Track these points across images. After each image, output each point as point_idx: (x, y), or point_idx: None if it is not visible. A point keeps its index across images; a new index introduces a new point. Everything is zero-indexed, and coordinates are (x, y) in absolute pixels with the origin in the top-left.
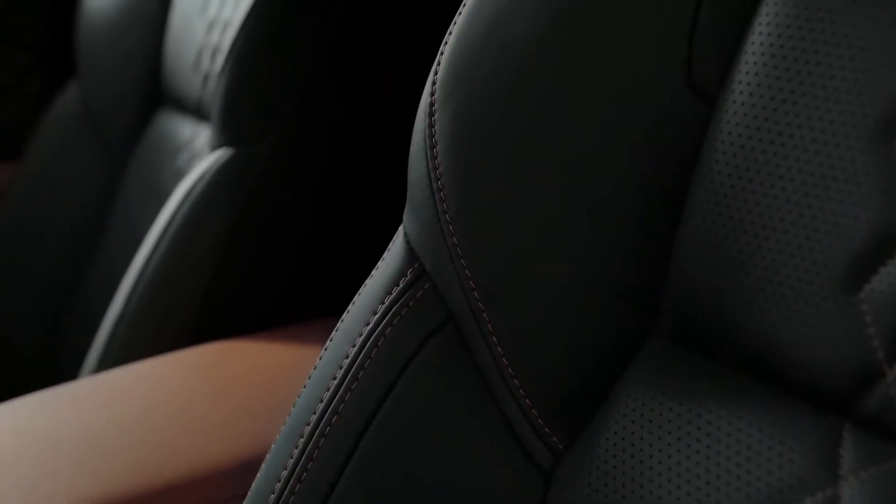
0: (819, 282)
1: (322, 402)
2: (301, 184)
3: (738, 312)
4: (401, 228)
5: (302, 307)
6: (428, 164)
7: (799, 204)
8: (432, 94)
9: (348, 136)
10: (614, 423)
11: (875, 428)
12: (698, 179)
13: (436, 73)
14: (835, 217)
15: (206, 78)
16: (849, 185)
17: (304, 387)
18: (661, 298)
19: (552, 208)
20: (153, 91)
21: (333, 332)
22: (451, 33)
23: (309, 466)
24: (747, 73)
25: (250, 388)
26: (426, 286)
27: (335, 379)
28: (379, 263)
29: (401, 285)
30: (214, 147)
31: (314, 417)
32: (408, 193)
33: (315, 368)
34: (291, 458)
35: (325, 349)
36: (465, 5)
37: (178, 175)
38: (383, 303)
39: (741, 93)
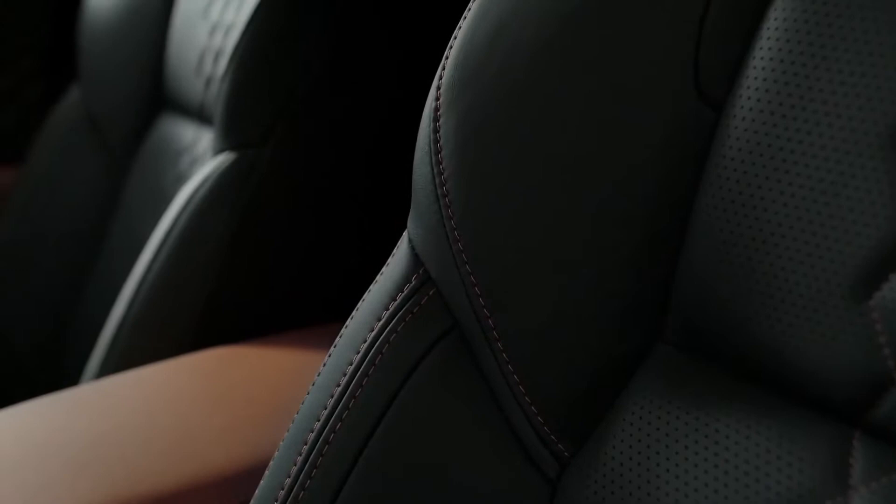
0: (828, 289)
1: (326, 409)
2: (304, 188)
3: (747, 320)
4: (405, 234)
5: (305, 312)
6: (433, 169)
7: (808, 211)
8: (437, 98)
9: (352, 139)
10: (621, 431)
11: (885, 437)
12: (705, 186)
13: (440, 78)
14: (844, 224)
15: (208, 81)
16: (858, 192)
17: (308, 393)
18: (667, 305)
19: (557, 213)
20: (155, 95)
21: (337, 339)
22: (455, 37)
23: (313, 474)
24: (755, 78)
25: (253, 394)
26: (431, 292)
27: (339, 386)
28: (383, 269)
29: (405, 291)
30: (217, 151)
31: (318, 425)
32: (412, 198)
33: (319, 375)
34: (295, 465)
35: (329, 356)
36: (469, 10)
37: (181, 179)
38: (388, 309)
39: (749, 98)
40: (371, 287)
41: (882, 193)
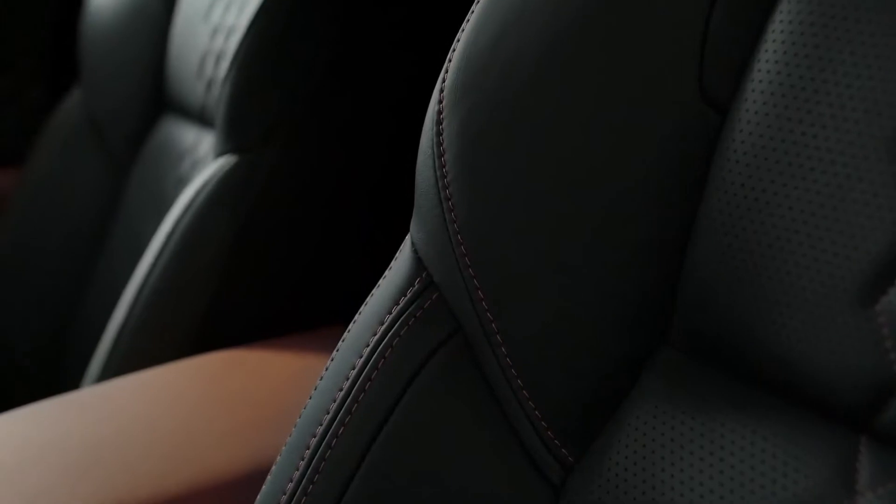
0: (834, 294)
1: (329, 413)
2: (306, 191)
3: (752, 325)
4: (408, 238)
5: (307, 315)
6: (436, 173)
7: (814, 215)
8: (440, 101)
9: (354, 142)
10: (625, 436)
11: (892, 442)
12: (710, 189)
13: (443, 81)
14: (850, 228)
15: (209, 84)
16: (865, 196)
17: (311, 398)
18: (672, 309)
19: (561, 217)
20: (156, 97)
21: (340, 343)
22: (459, 40)
23: (315, 479)
24: (760, 81)
25: (255, 398)
26: (434, 296)
27: (342, 390)
28: (386, 273)
29: (408, 295)
30: (218, 154)
31: (321, 429)
32: (415, 202)
33: (321, 379)
34: (297, 470)
35: (332, 360)
36: (472, 13)
37: (181, 182)
38: (391, 313)
39: (754, 101)
40: (374, 291)
41: (889, 197)
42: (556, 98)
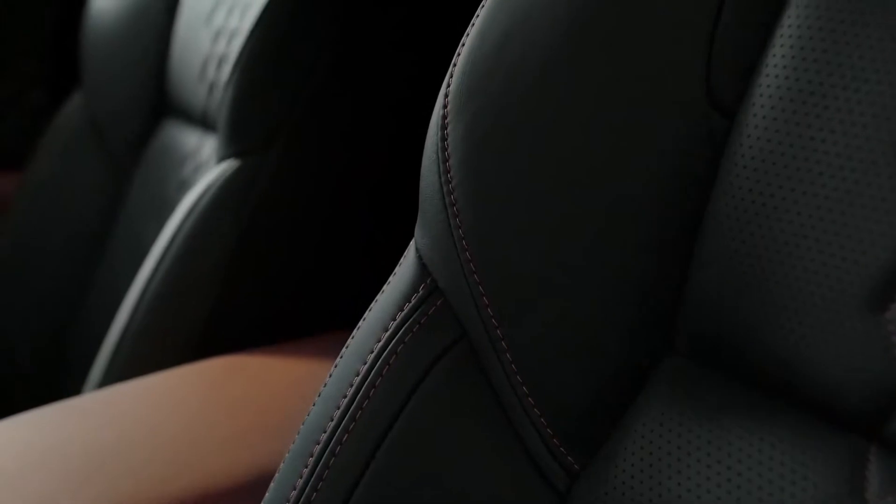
0: (843, 300)
1: (333, 420)
2: (309, 195)
3: (760, 331)
4: (412, 243)
5: (310, 320)
6: (440, 178)
7: (822, 220)
8: (445, 106)
9: (357, 146)
10: (632, 443)
11: None
12: (718, 194)
13: (448, 86)
14: (859, 234)
15: (211, 87)
16: (874, 202)
17: (314, 404)
18: (678, 315)
19: (566, 222)
20: (158, 101)
21: (343, 349)
22: (463, 45)
23: (319, 486)
24: (768, 86)
25: (258, 404)
26: (439, 302)
27: (346, 397)
28: (390, 278)
29: (413, 301)
30: (221, 158)
31: (324, 436)
32: (419, 207)
33: (325, 386)
34: (301, 477)
35: (336, 366)
36: (478, 17)
37: (184, 186)
38: (395, 319)
39: (762, 106)
40: (378, 297)
41: None
42: (561, 103)
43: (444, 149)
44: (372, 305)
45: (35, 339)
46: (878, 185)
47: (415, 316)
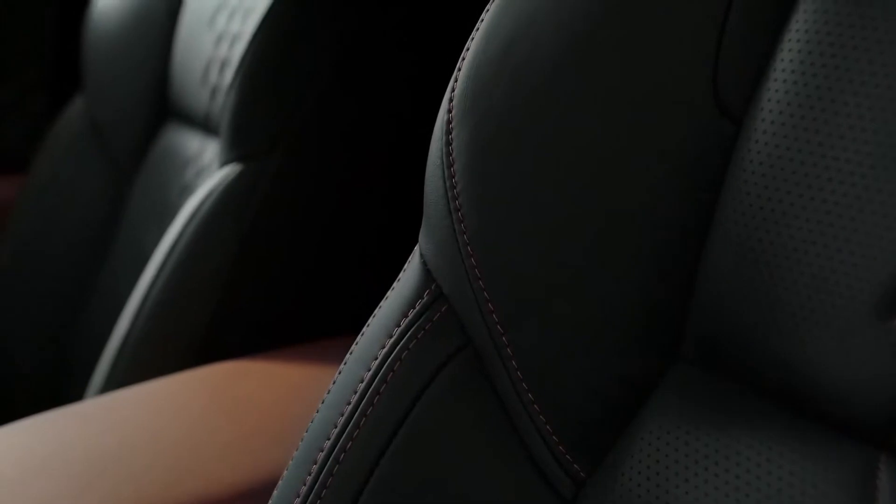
0: (852, 307)
1: (336, 427)
2: (312, 200)
3: (768, 339)
4: (416, 249)
5: (313, 326)
6: (445, 183)
7: (831, 226)
8: (449, 110)
9: (360, 150)
10: (638, 451)
11: None
12: (725, 199)
13: (453, 90)
14: (869, 241)
15: (213, 91)
16: (883, 208)
17: (318, 411)
18: (686, 323)
19: (572, 228)
20: (160, 105)
21: (347, 356)
22: (468, 48)
23: (323, 494)
24: (776, 91)
25: (260, 410)
26: (443, 309)
27: (350, 404)
28: (394, 284)
29: (417, 308)
30: (223, 163)
31: (328, 443)
32: (424, 213)
33: (329, 392)
34: (304, 485)
35: (339, 373)
36: (482, 20)
37: (186, 190)
38: (399, 325)
39: (770, 111)
40: (382, 303)
41: None
42: (566, 108)
43: (449, 153)
44: (376, 311)
45: (36, 343)
46: (887, 191)
47: (419, 322)
